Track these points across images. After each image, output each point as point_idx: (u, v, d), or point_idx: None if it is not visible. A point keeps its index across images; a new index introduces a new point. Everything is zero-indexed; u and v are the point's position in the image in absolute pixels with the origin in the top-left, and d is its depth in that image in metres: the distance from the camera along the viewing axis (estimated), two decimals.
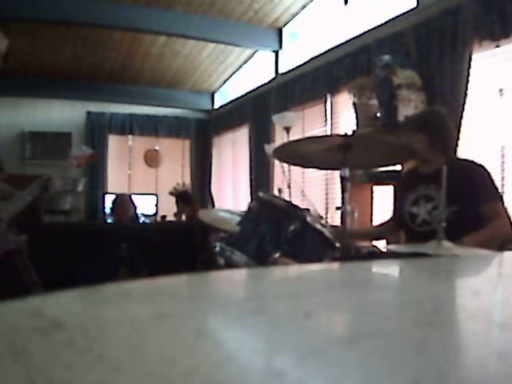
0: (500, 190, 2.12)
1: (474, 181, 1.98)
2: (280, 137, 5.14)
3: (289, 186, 4.25)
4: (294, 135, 4.08)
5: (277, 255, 1.78)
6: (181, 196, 5.43)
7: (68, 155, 2.14)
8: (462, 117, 3.22)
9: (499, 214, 1.97)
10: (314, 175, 5.13)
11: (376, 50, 3.96)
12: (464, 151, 3.16)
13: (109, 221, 6.30)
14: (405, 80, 3.35)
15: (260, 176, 6.05)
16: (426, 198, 2.11)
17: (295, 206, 1.95)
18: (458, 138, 3.16)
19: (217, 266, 1.95)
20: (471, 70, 3.22)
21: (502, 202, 2.02)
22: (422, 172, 2.18)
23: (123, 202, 4.63)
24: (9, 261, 1.86)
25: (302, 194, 3.59)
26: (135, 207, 4.72)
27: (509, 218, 2.01)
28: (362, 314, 0.40)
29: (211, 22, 5.51)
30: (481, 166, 2.05)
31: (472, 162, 2.09)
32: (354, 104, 3.81)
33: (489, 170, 2.05)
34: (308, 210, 1.94)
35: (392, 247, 1.78)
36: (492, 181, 2.02)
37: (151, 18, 5.27)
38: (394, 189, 2.52)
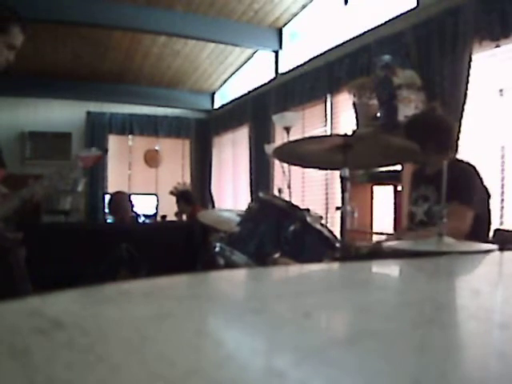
0: (492, 194, 2.08)
1: (457, 178, 1.94)
2: (280, 137, 5.14)
3: (289, 186, 4.25)
4: (294, 135, 4.08)
5: (277, 255, 1.78)
6: (181, 196, 5.43)
7: (74, 155, 2.13)
8: (461, 117, 3.22)
9: (455, 217, 1.86)
10: (314, 175, 5.13)
11: (376, 49, 3.96)
12: (464, 151, 3.16)
13: (109, 221, 6.30)
14: (405, 80, 3.35)
15: (260, 176, 6.05)
16: (423, 198, 2.12)
17: (295, 206, 1.95)
18: (458, 138, 3.16)
19: (217, 266, 1.95)
20: (471, 70, 3.22)
21: (475, 212, 1.97)
22: (426, 172, 2.18)
23: (119, 199, 4.63)
24: (2, 257, 1.86)
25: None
26: (132, 205, 4.72)
27: (474, 226, 1.95)
28: (362, 313, 0.40)
29: (211, 22, 5.51)
30: (473, 167, 2.04)
31: (466, 163, 2.08)
32: (353, 104, 3.81)
33: (480, 174, 2.03)
34: (308, 210, 1.94)
35: (392, 244, 1.78)
36: (475, 185, 1.99)
37: (151, 18, 5.27)
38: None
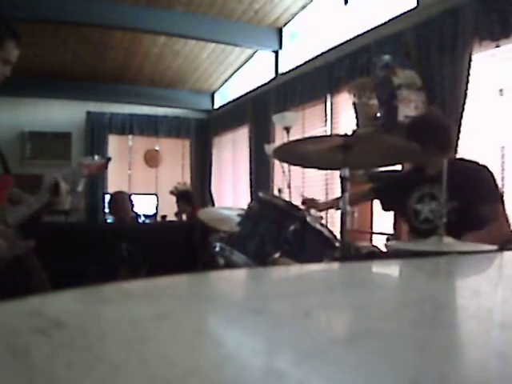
0: (500, 191, 2.12)
1: (476, 181, 1.98)
2: (280, 137, 5.14)
3: (289, 186, 4.25)
4: (294, 135, 4.08)
5: (277, 255, 1.78)
6: (181, 195, 5.43)
7: (78, 163, 2.11)
8: (461, 117, 3.22)
9: (498, 216, 1.97)
10: (314, 175, 5.13)
11: (376, 49, 3.96)
12: (464, 151, 3.16)
13: (109, 221, 6.30)
14: (405, 80, 3.35)
15: (260, 176, 6.05)
16: (430, 196, 2.12)
17: (295, 206, 1.95)
18: (458, 138, 3.16)
19: (217, 266, 1.95)
20: (471, 70, 3.22)
21: (503, 204, 2.02)
22: (428, 173, 2.18)
23: (119, 199, 4.63)
24: (19, 263, 1.85)
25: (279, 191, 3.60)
26: (132, 205, 4.72)
27: (507, 219, 2.01)
28: (362, 313, 0.40)
29: (211, 22, 5.51)
30: (484, 166, 2.05)
31: (475, 162, 2.09)
32: (353, 104, 3.81)
33: (492, 170, 2.05)
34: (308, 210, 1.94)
35: (393, 244, 1.78)
36: (494, 182, 2.02)
37: (151, 18, 5.27)
38: (397, 176, 2.52)
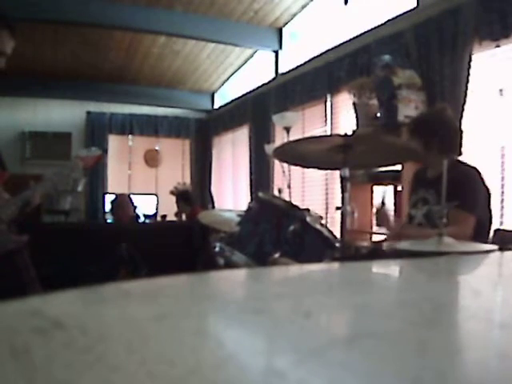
0: (492, 192, 2.08)
1: (461, 183, 1.94)
2: (280, 137, 5.14)
3: (289, 186, 4.25)
4: (294, 135, 4.08)
5: (277, 255, 1.78)
6: (181, 195, 5.43)
7: (74, 156, 2.10)
8: (462, 117, 3.22)
9: (458, 223, 1.85)
10: (314, 175, 5.13)
11: (376, 50, 3.96)
12: (464, 151, 3.16)
13: (109, 221, 6.30)
14: (405, 80, 3.35)
15: (260, 176, 6.05)
16: (423, 200, 2.11)
17: (295, 206, 1.95)
18: (461, 139, 3.16)
19: (217, 266, 1.95)
20: (471, 70, 3.22)
21: (477, 218, 1.95)
22: (427, 176, 2.17)
23: (123, 202, 4.63)
24: (9, 259, 1.85)
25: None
26: (135, 207, 4.72)
27: (476, 229, 1.95)
28: (362, 313, 0.40)
29: (211, 22, 5.51)
30: (475, 170, 2.03)
31: (470, 167, 2.07)
32: (354, 104, 3.81)
33: (482, 175, 2.02)
34: (308, 210, 1.94)
35: (392, 244, 1.77)
36: (479, 190, 1.99)
37: (151, 18, 5.27)
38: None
